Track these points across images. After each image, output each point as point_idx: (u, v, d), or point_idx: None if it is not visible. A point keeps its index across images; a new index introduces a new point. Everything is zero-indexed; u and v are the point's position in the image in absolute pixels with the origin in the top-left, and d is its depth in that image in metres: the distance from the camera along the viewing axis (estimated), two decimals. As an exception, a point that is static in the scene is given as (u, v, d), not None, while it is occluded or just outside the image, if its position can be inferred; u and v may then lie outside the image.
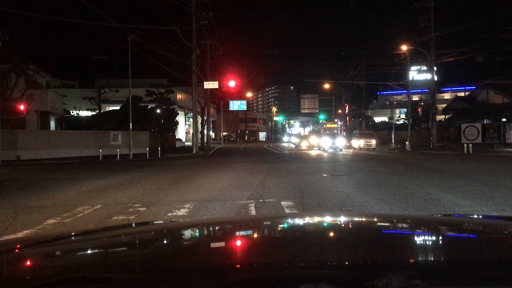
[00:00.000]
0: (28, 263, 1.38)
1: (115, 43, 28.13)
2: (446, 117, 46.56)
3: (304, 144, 43.73)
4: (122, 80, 33.38)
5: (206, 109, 42.10)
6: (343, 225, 1.91)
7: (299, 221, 2.08)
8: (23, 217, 6.61)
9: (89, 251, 1.53)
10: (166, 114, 38.95)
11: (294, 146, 48.46)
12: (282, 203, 7.64)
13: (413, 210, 6.91)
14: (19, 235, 5.44)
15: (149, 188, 10.24)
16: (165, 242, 1.70)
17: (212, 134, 58.95)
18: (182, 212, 7.02)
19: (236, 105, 48.31)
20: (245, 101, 52.90)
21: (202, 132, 41.23)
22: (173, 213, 6.90)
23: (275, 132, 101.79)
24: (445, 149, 30.87)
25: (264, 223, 2.03)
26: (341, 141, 35.32)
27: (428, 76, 36.84)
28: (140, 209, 7.27)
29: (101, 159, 23.38)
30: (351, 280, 1.02)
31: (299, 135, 57.59)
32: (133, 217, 6.63)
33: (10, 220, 6.43)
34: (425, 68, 37.34)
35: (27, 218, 6.57)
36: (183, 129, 55.16)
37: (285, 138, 76.41)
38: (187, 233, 1.79)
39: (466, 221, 2.02)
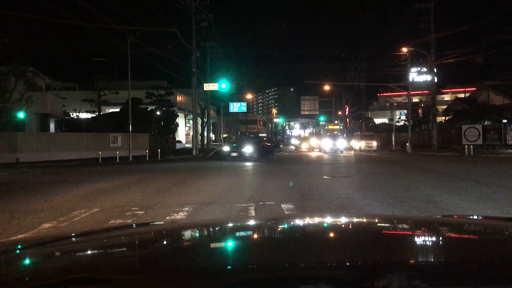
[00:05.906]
0: (28, 264, 1.37)
1: (115, 45, 28.05)
2: (447, 118, 46.41)
3: (304, 146, 43.66)
4: (122, 82, 33.32)
5: (206, 111, 42.02)
6: (343, 226, 1.90)
7: (299, 222, 2.08)
8: (18, 221, 6.49)
9: (89, 252, 1.54)
10: (166, 116, 38.86)
11: (293, 148, 48.32)
12: (283, 206, 7.53)
13: (416, 213, 6.79)
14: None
15: (148, 191, 10.12)
16: (165, 242, 1.70)
17: (212, 136, 58.87)
18: (180, 215, 6.90)
19: (236, 107, 48.12)
20: (245, 102, 52.62)
21: (202, 134, 41.14)
22: (172, 217, 6.78)
23: (275, 134, 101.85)
24: (446, 150, 30.78)
25: (264, 223, 2.05)
26: (341, 143, 35.26)
27: (428, 77, 36.80)
28: (138, 212, 7.15)
29: (101, 161, 23.29)
30: (351, 280, 1.02)
31: (299, 137, 57.49)
32: (130, 220, 6.52)
33: (4, 224, 6.31)
34: (425, 69, 37.31)
35: (23, 222, 6.45)
36: (183, 131, 55.09)
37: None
38: (187, 234, 1.80)
39: (466, 222, 2.02)
